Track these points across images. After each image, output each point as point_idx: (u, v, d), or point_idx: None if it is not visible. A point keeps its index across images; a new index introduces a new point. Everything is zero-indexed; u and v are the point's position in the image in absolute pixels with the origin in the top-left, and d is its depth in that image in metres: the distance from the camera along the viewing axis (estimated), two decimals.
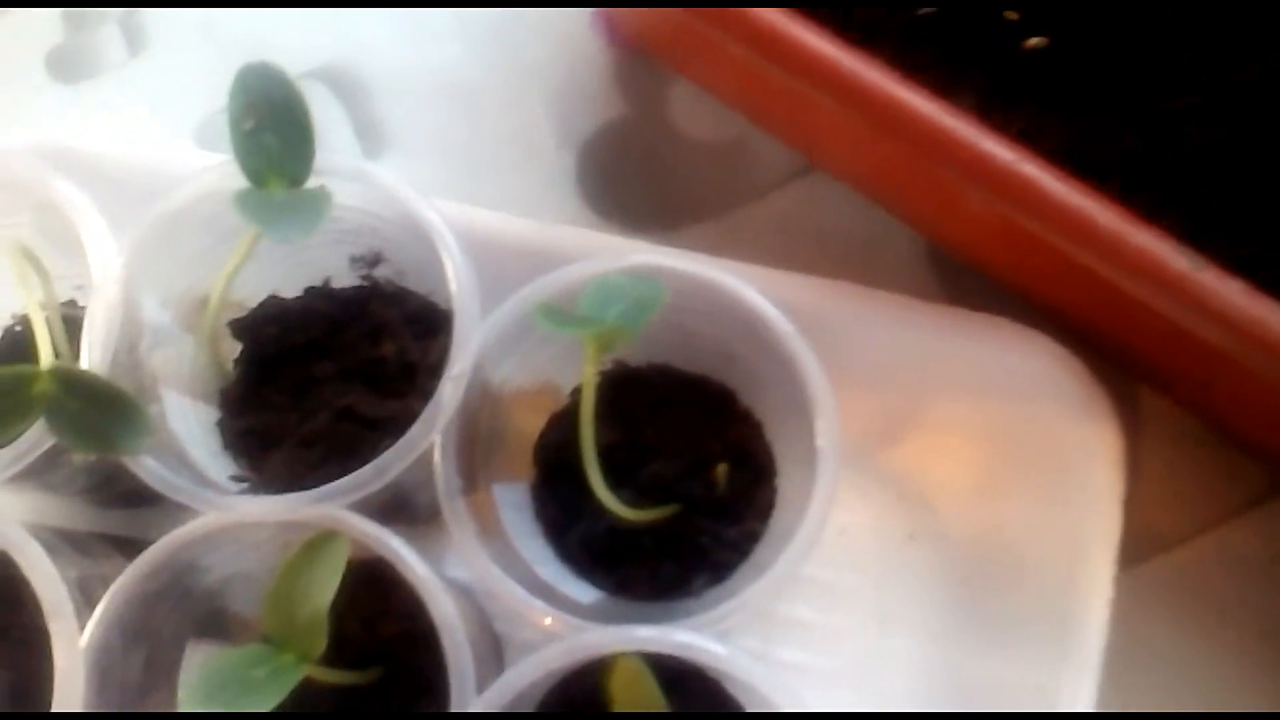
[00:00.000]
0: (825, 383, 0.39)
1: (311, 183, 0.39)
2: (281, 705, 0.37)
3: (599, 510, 0.41)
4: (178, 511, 0.38)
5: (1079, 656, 0.41)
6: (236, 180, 0.39)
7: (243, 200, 0.37)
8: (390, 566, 0.38)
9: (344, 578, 0.36)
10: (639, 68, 0.55)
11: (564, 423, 0.45)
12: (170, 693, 0.41)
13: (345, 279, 0.46)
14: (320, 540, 0.37)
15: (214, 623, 0.42)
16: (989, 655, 0.44)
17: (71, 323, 0.42)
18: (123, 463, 0.38)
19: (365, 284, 0.46)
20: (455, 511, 0.38)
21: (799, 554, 0.38)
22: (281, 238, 0.36)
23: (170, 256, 0.41)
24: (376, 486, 0.37)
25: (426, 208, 0.40)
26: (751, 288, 0.40)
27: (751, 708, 0.41)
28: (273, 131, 0.37)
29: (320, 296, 0.46)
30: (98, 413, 0.37)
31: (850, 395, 0.39)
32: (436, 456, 0.39)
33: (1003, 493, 0.46)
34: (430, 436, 0.38)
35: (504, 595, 0.38)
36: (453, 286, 0.38)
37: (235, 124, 0.38)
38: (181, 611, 0.40)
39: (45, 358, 0.40)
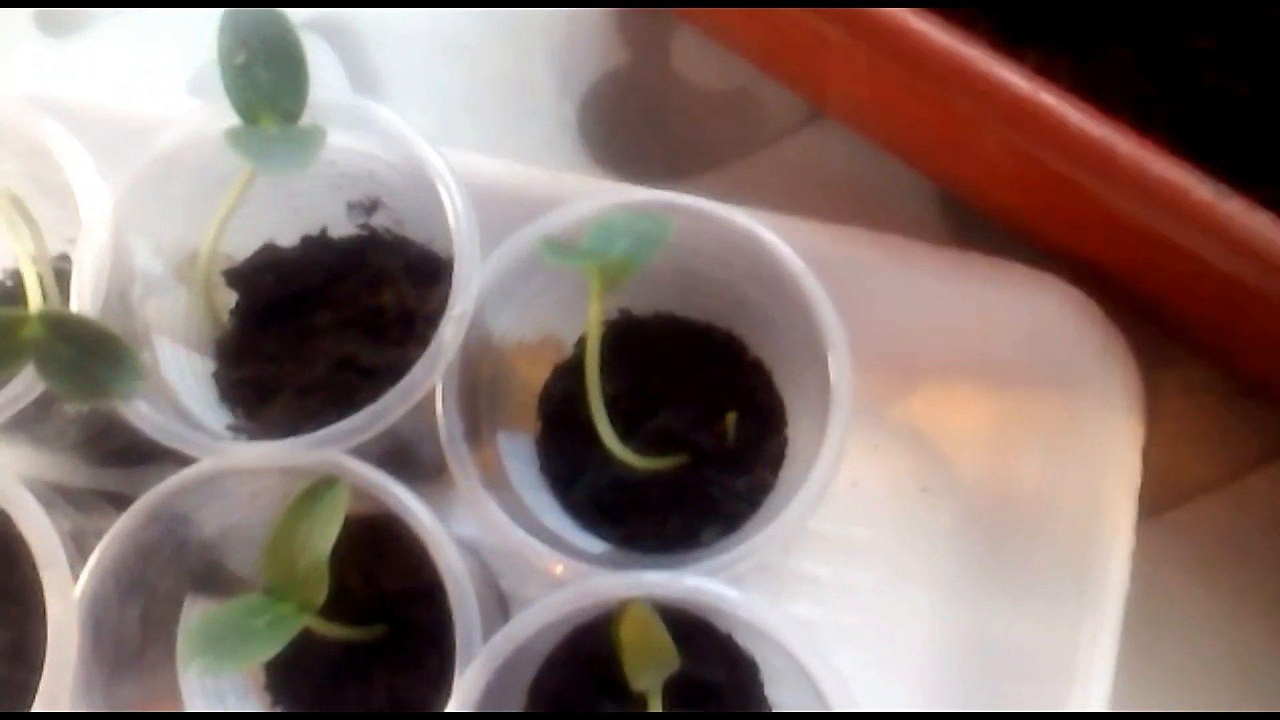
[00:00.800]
0: (836, 319, 0.38)
1: (306, 121, 0.38)
2: (283, 659, 0.36)
3: (605, 461, 0.40)
4: (173, 468, 0.37)
5: (1098, 609, 0.40)
6: (229, 121, 0.38)
7: (235, 136, 0.36)
8: (392, 522, 0.37)
9: (345, 533, 0.35)
10: (641, 14, 0.54)
11: (568, 374, 0.44)
12: (168, 648, 0.40)
13: (342, 228, 0.45)
14: (320, 487, 0.36)
15: (211, 578, 0.41)
16: (1006, 609, 0.43)
17: (62, 275, 0.41)
18: (116, 416, 0.37)
19: (363, 233, 0.45)
20: (459, 459, 0.37)
21: (811, 499, 0.37)
22: (274, 173, 0.35)
23: (162, 201, 0.40)
24: (377, 430, 0.36)
25: (426, 146, 0.39)
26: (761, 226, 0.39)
27: (763, 657, 0.40)
28: (265, 65, 0.36)
29: (317, 246, 0.45)
30: (88, 357, 0.36)
31: (861, 344, 0.38)
32: (439, 404, 0.38)
33: (1018, 442, 0.45)
34: (431, 379, 0.37)
35: (511, 543, 0.37)
36: (453, 225, 0.37)
37: (225, 59, 0.36)
38: (178, 564, 0.39)
39: (35, 305, 0.39)
